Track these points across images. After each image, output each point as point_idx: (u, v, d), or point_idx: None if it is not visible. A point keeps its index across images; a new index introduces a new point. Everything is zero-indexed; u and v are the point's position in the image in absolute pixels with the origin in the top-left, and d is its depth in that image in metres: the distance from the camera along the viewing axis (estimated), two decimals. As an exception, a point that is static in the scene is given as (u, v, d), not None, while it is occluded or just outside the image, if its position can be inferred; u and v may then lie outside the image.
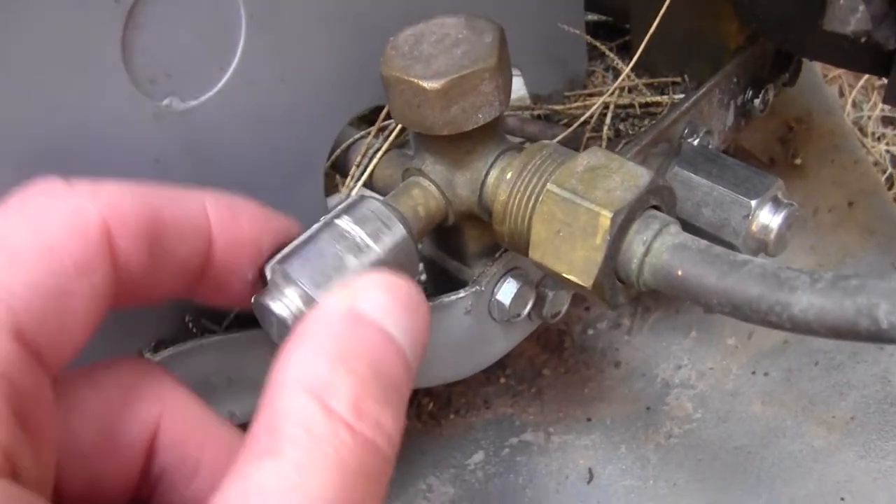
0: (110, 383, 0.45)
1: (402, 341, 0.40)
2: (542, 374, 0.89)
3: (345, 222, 0.52)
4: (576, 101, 0.81)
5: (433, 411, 0.87)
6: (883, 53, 0.62)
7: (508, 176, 0.56)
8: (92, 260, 0.40)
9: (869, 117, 1.32)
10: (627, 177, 0.52)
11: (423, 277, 0.69)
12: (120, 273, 0.41)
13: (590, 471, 0.80)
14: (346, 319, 0.39)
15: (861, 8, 0.57)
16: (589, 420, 0.85)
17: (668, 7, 0.69)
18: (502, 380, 0.89)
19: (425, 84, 0.53)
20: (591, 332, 0.92)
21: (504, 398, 0.87)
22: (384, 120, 0.68)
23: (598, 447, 0.82)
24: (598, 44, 0.81)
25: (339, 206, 0.54)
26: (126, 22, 0.52)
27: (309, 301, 0.50)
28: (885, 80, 0.66)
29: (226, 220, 0.48)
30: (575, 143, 0.72)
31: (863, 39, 0.60)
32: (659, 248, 0.51)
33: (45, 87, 0.50)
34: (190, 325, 0.63)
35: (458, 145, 0.57)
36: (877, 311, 0.41)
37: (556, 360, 0.90)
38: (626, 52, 0.88)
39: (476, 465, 0.82)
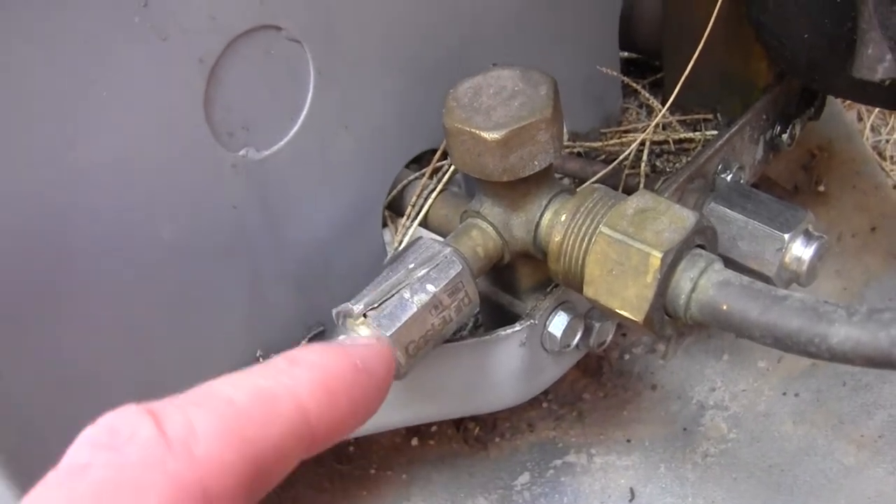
0: None
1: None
2: (583, 397, 0.93)
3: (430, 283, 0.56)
4: (612, 138, 0.85)
5: (479, 435, 0.90)
6: (907, 91, 0.65)
7: (563, 218, 0.60)
8: None
9: (887, 141, 1.35)
10: (675, 219, 0.56)
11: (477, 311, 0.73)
12: None
13: (631, 490, 0.84)
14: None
15: (888, 57, 0.60)
16: (629, 441, 0.88)
17: (701, 47, 0.73)
18: (545, 404, 0.92)
19: (486, 135, 0.57)
20: (627, 356, 0.95)
21: (547, 421, 0.91)
22: (437, 161, 0.72)
23: (638, 467, 0.86)
24: (632, 83, 0.85)
25: (414, 255, 0.58)
26: (208, 80, 0.56)
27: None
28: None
29: (326, 410, 0.41)
30: (614, 180, 0.75)
31: (888, 82, 0.64)
32: (705, 284, 0.55)
33: (133, 142, 0.54)
34: (261, 359, 0.67)
35: (515, 189, 0.60)
36: (910, 342, 0.45)
37: (596, 384, 0.94)
38: (658, 88, 0.92)
39: (522, 486, 0.86)
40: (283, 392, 0.40)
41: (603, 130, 0.87)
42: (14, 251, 0.51)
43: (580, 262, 0.59)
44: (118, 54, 0.51)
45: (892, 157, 1.34)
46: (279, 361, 0.41)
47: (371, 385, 0.45)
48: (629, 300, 0.56)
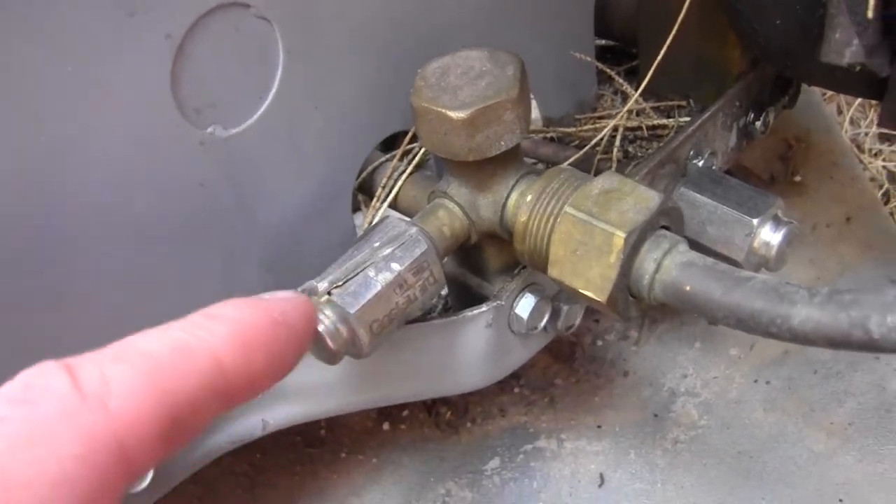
0: None
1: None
2: (555, 383, 0.93)
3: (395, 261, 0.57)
4: (586, 124, 0.85)
5: (451, 420, 0.91)
6: (878, 80, 0.66)
7: (528, 198, 0.60)
8: (106, 485, 0.36)
9: (866, 134, 1.35)
10: (639, 199, 0.56)
11: (445, 292, 0.73)
12: (133, 473, 0.38)
13: (601, 475, 0.84)
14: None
15: (855, 41, 0.61)
16: (599, 427, 0.88)
17: (674, 34, 0.73)
18: (516, 389, 0.92)
19: (452, 114, 0.57)
20: (600, 343, 0.96)
21: (518, 407, 0.91)
22: (407, 144, 0.72)
23: (608, 453, 0.86)
24: (606, 69, 0.85)
25: (379, 234, 0.58)
26: (175, 56, 0.56)
27: (346, 320, 0.54)
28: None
29: (242, 363, 0.42)
30: (586, 165, 0.76)
31: (857, 68, 0.64)
32: (668, 265, 0.55)
33: (98, 116, 0.54)
34: (228, 337, 0.67)
35: (482, 170, 0.61)
36: (868, 322, 0.45)
37: (568, 370, 0.94)
38: (633, 75, 0.92)
39: (492, 470, 0.86)
40: (199, 345, 0.40)
41: (577, 116, 0.87)
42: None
43: (545, 242, 0.59)
44: (84, 29, 0.51)
45: (870, 150, 1.35)
46: (197, 316, 0.42)
47: (290, 339, 0.45)
48: (593, 280, 0.56)
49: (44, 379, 0.36)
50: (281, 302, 0.46)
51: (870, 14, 0.59)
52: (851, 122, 1.36)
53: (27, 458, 0.34)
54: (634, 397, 0.91)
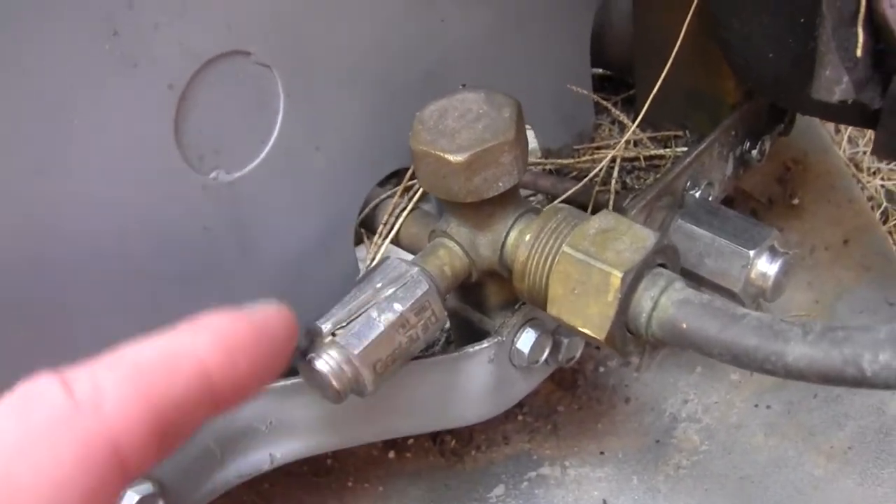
0: None
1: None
2: (557, 410, 0.94)
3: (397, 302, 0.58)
4: (584, 155, 0.86)
5: (455, 448, 0.92)
6: (871, 110, 0.67)
7: (527, 238, 0.61)
8: (102, 487, 0.39)
9: (864, 153, 1.36)
10: (635, 238, 0.58)
11: (448, 326, 0.74)
12: (128, 475, 0.41)
13: (604, 502, 0.85)
14: None
15: (845, 79, 0.62)
16: (602, 453, 0.89)
17: (670, 65, 0.74)
18: (520, 417, 0.93)
19: (450, 157, 0.58)
20: (602, 369, 0.97)
21: (522, 434, 0.92)
22: (408, 180, 0.73)
23: (611, 479, 0.87)
24: (602, 101, 0.87)
25: (381, 275, 0.59)
26: (178, 105, 0.57)
27: (350, 361, 0.55)
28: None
29: (226, 367, 0.45)
30: (585, 197, 0.77)
31: (849, 101, 0.65)
32: (665, 303, 0.56)
33: (102, 165, 0.55)
34: (234, 375, 0.68)
35: (481, 210, 0.62)
36: (861, 360, 0.46)
37: (570, 397, 0.95)
38: (630, 105, 0.93)
39: (497, 497, 0.87)
40: (185, 352, 0.43)
41: (575, 147, 0.88)
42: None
43: (544, 281, 0.60)
44: (88, 82, 0.52)
45: (868, 169, 1.35)
46: (182, 325, 0.44)
47: (272, 345, 0.47)
48: (591, 319, 0.57)
49: (39, 388, 0.39)
50: (262, 311, 0.48)
51: (858, 53, 0.60)
52: (850, 140, 1.37)
53: (29, 463, 0.36)
54: (636, 423, 0.92)
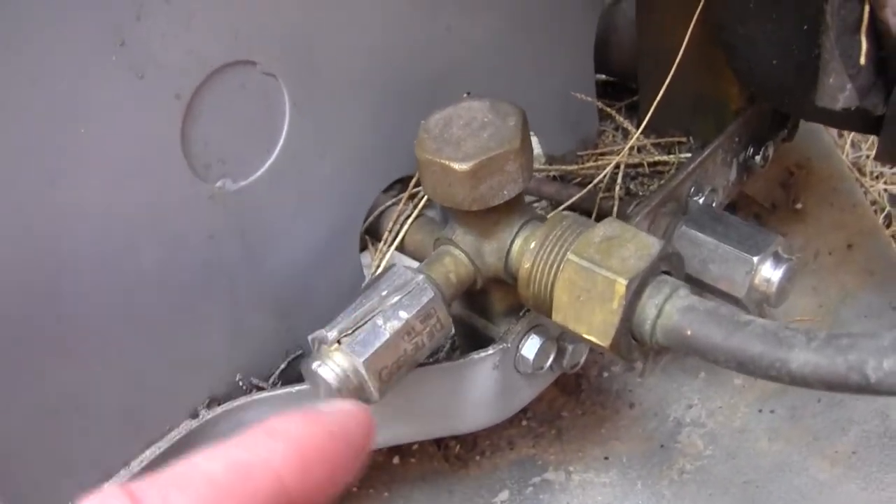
0: None
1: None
2: (561, 415, 0.94)
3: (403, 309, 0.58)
4: (588, 161, 0.87)
5: (460, 453, 0.92)
6: (874, 116, 0.67)
7: (532, 245, 0.61)
8: None
9: (868, 157, 1.36)
10: (640, 246, 0.58)
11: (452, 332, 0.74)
12: None
13: (608, 507, 0.86)
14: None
15: (849, 86, 0.62)
16: (606, 458, 0.90)
17: (674, 71, 0.75)
18: (524, 422, 0.94)
19: (456, 166, 0.58)
20: (606, 374, 0.97)
21: (526, 439, 0.92)
22: (413, 188, 0.73)
23: (615, 484, 0.87)
24: (607, 108, 0.87)
25: (387, 283, 0.59)
26: (185, 114, 0.57)
27: (355, 368, 0.56)
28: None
29: (303, 478, 0.43)
30: (589, 203, 0.77)
31: (853, 108, 0.66)
32: (670, 310, 0.56)
33: (110, 175, 0.56)
34: (240, 383, 0.69)
35: (486, 218, 0.62)
36: (865, 367, 0.47)
37: (574, 402, 0.95)
38: (633, 111, 0.94)
39: (502, 503, 0.87)
40: (260, 464, 0.41)
41: (579, 153, 0.89)
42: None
43: (549, 288, 0.60)
44: (96, 93, 0.53)
45: (871, 173, 1.36)
46: (257, 433, 0.43)
47: (348, 451, 0.45)
48: (596, 326, 0.57)
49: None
50: (339, 414, 0.47)
51: (862, 61, 0.61)
52: (853, 144, 1.37)
53: None
54: (640, 428, 0.92)
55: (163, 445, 0.65)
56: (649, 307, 0.57)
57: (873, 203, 1.28)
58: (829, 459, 0.86)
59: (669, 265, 0.59)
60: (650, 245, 0.58)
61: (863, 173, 1.34)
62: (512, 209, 0.63)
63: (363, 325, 0.57)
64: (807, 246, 1.05)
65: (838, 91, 0.63)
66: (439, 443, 0.93)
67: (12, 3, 0.47)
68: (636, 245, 0.58)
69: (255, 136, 0.62)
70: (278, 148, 0.64)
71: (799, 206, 1.08)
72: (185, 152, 0.58)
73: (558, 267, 0.60)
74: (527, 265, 0.62)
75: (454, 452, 0.92)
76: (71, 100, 0.52)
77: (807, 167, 1.09)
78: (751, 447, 0.89)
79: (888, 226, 1.27)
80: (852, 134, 1.38)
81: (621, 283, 0.56)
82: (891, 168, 1.35)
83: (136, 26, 0.53)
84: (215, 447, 0.41)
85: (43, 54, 0.50)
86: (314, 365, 0.57)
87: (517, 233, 0.63)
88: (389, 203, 0.74)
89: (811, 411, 0.91)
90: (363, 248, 0.76)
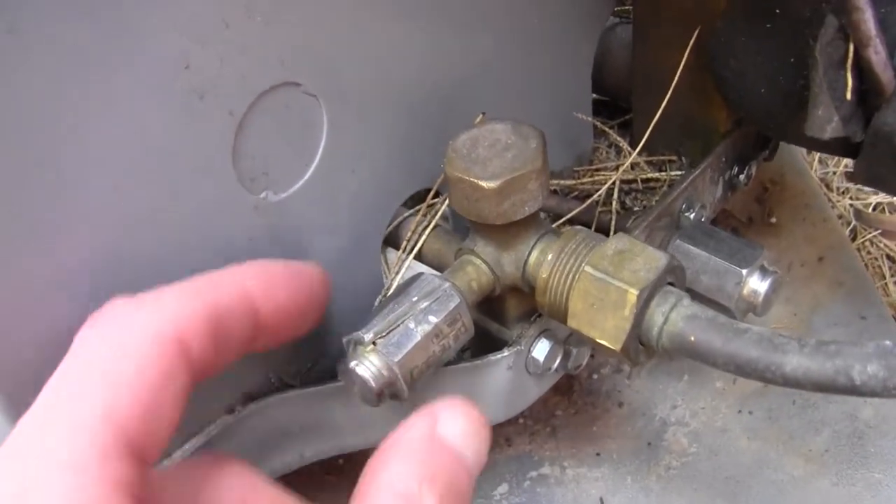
0: (196, 476, 0.50)
1: (471, 462, 0.51)
2: (555, 414, 0.99)
3: (432, 314, 0.64)
4: (584, 177, 0.92)
5: (461, 449, 0.97)
6: (853, 143, 0.73)
7: (549, 257, 0.67)
8: (174, 370, 0.46)
9: (834, 173, 1.43)
10: (649, 259, 0.64)
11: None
12: (194, 367, 0.48)
13: (601, 500, 0.91)
14: (431, 443, 0.50)
15: (835, 118, 0.68)
16: (598, 455, 0.95)
17: (667, 96, 0.81)
18: (521, 420, 0.99)
19: (484, 184, 0.64)
20: (596, 376, 1.02)
21: (523, 437, 0.98)
22: (431, 199, 0.78)
23: (607, 479, 0.93)
24: (602, 126, 0.93)
25: (417, 289, 0.64)
26: (236, 131, 0.62)
27: (390, 367, 0.61)
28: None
29: (266, 292, 0.55)
30: (588, 216, 0.83)
31: (839, 137, 0.71)
32: (675, 318, 0.62)
33: (168, 189, 0.60)
34: (272, 380, 0.73)
35: (507, 231, 0.67)
36: (852, 371, 0.53)
37: (567, 401, 1.00)
38: (626, 129, 0.99)
39: (501, 495, 0.92)
40: (230, 278, 0.54)
41: (576, 169, 0.94)
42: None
43: (565, 296, 0.66)
44: (164, 112, 0.57)
45: (838, 189, 1.43)
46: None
47: (306, 287, 0.59)
48: (608, 331, 0.63)
49: (111, 305, 0.50)
50: (297, 263, 0.60)
51: (848, 96, 0.67)
52: (820, 161, 1.44)
53: (115, 355, 0.45)
54: (629, 427, 0.98)
55: (201, 439, 0.69)
56: (657, 315, 0.63)
57: (840, 217, 1.35)
58: (803, 457, 0.92)
59: (674, 277, 0.65)
60: (658, 258, 0.64)
61: (830, 189, 1.41)
62: (530, 223, 0.68)
63: (396, 327, 0.62)
64: (780, 258, 1.11)
65: (826, 122, 0.68)
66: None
67: (95, 27, 0.51)
68: (645, 259, 0.64)
69: (295, 151, 0.67)
70: (315, 163, 0.68)
71: (773, 220, 1.13)
72: (235, 166, 0.63)
73: (574, 277, 0.65)
74: (544, 275, 0.67)
75: (456, 448, 0.97)
76: (137, 120, 0.56)
77: (780, 183, 1.15)
78: (731, 445, 0.94)
79: (853, 239, 1.34)
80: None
81: (633, 293, 0.62)
82: (856, 184, 1.42)
83: (200, 52, 0.57)
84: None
85: (115, 81, 0.54)
86: (352, 364, 0.62)
87: (534, 245, 0.69)
88: (407, 214, 0.79)
89: (787, 413, 0.96)
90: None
